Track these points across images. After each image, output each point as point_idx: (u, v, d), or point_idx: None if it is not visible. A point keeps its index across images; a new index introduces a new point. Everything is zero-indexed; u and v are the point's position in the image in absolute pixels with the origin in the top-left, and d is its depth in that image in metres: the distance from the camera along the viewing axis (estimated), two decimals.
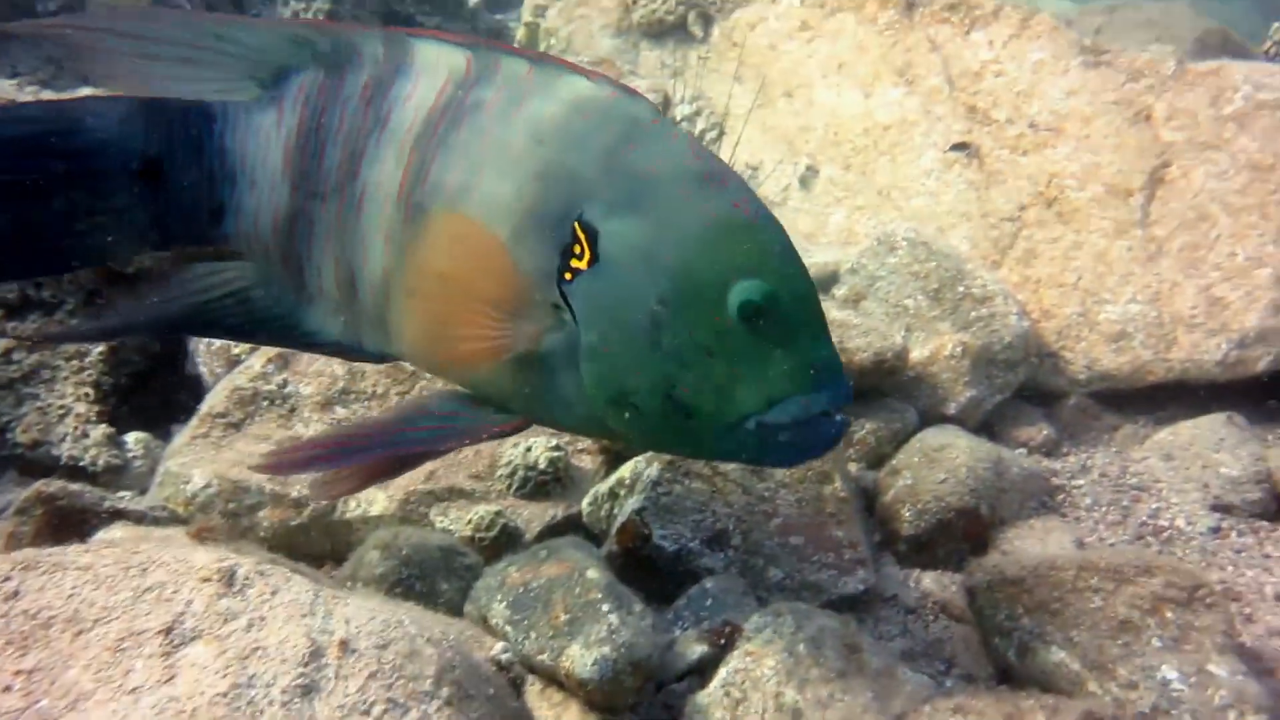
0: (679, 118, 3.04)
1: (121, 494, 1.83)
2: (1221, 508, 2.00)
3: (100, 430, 1.95)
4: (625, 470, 1.74)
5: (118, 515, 1.61)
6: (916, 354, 2.15)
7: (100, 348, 1.99)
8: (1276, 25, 3.23)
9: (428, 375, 1.93)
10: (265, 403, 1.89)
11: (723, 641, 1.45)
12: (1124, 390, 2.34)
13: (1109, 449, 2.25)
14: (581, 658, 1.34)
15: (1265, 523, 1.96)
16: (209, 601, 1.01)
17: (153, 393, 2.06)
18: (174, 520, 1.68)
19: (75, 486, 1.64)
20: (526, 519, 1.76)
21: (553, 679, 1.38)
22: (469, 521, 1.72)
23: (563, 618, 1.39)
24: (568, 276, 1.18)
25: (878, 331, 2.07)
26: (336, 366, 1.93)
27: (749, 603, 1.53)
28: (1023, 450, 2.20)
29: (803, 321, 1.16)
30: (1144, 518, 1.97)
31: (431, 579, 1.56)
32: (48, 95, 2.27)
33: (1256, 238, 2.32)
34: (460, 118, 1.26)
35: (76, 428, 1.95)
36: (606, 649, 1.34)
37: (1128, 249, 2.40)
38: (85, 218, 1.34)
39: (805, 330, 1.16)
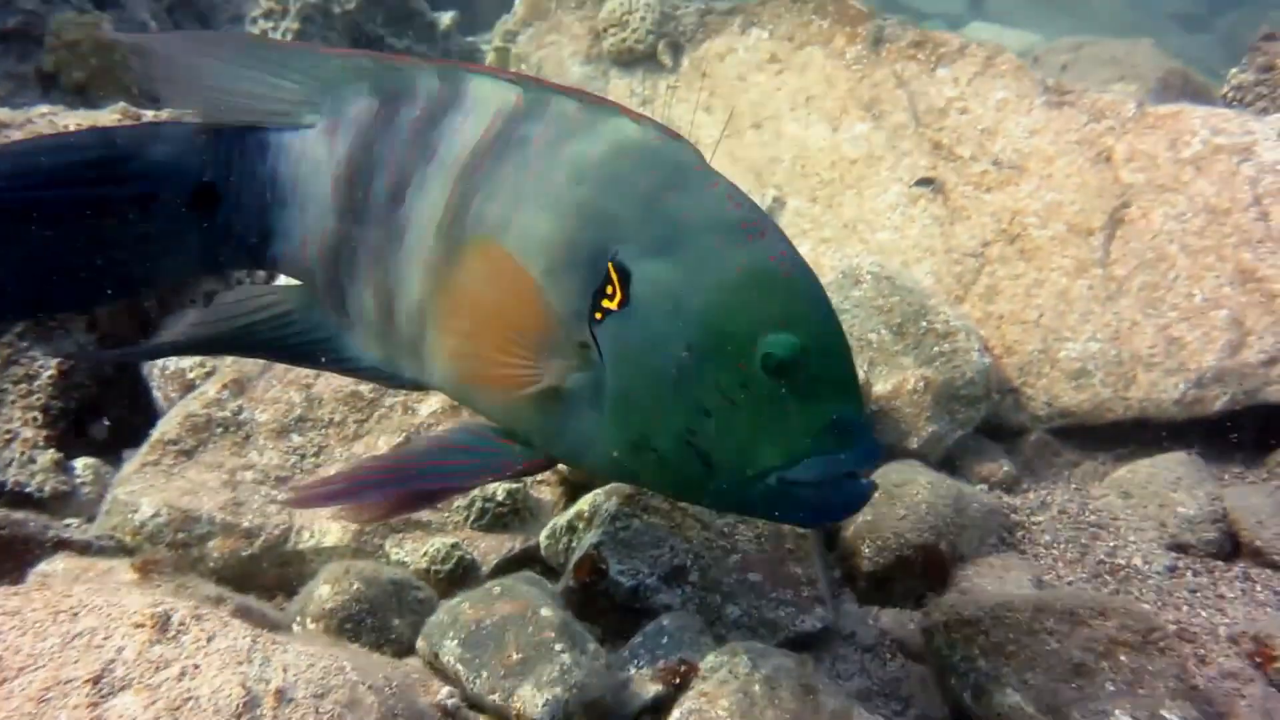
0: None
1: (68, 522, 1.77)
2: (1177, 547, 2.01)
3: (48, 455, 1.90)
4: (584, 503, 1.73)
5: (62, 545, 1.57)
6: (879, 388, 2.16)
7: (50, 370, 1.95)
8: (1234, 70, 3.29)
9: (388, 403, 1.91)
10: (219, 429, 1.85)
11: (677, 681, 1.43)
12: (1084, 427, 2.36)
13: (1069, 486, 2.27)
14: (533, 698, 1.32)
15: (1220, 562, 1.98)
16: (141, 648, 0.98)
17: (104, 417, 2.02)
18: (121, 550, 1.64)
19: (18, 515, 1.60)
20: (483, 551, 1.74)
21: None
22: (425, 554, 1.70)
23: (515, 657, 1.37)
24: (598, 316, 1.18)
25: None
26: (293, 393, 1.90)
27: (705, 641, 1.52)
28: (983, 486, 2.20)
29: (832, 378, 1.14)
30: (1101, 555, 1.98)
31: (383, 615, 1.53)
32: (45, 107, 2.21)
33: (1213, 279, 2.36)
34: (506, 152, 1.26)
35: (23, 452, 1.90)
36: (558, 689, 1.32)
37: (1088, 287, 2.42)
38: (137, 244, 1.35)
39: (834, 387, 1.14)
